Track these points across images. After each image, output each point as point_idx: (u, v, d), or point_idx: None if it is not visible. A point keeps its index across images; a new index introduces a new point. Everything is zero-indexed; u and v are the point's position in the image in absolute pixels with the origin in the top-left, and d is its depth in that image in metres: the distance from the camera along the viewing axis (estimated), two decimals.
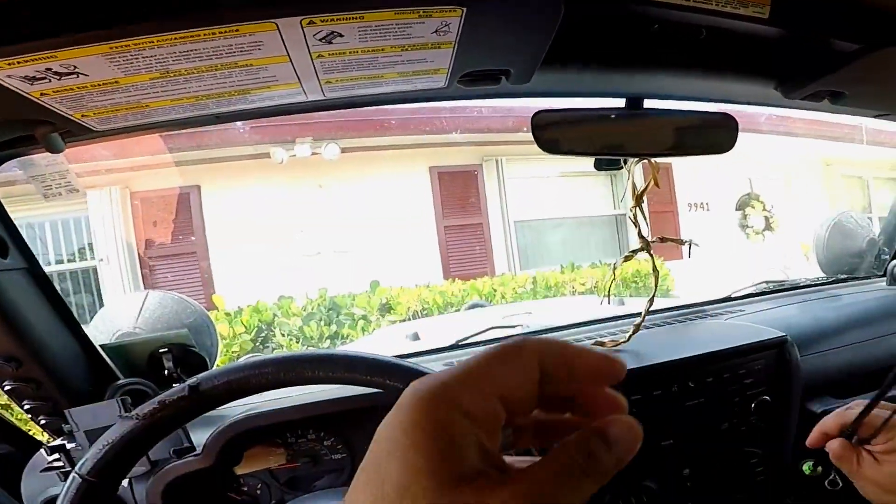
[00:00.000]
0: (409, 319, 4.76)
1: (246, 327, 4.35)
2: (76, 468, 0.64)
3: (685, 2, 0.68)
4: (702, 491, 0.94)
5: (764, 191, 7.44)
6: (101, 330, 1.17)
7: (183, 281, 5.49)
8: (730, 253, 6.55)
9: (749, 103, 1.02)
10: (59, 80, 0.50)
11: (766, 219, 7.38)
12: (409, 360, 0.72)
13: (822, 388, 1.03)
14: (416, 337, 2.23)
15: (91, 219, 5.32)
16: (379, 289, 5.13)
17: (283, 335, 4.52)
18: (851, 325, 1.14)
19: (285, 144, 5.56)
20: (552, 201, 6.84)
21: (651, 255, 0.91)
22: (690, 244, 0.92)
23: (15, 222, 0.88)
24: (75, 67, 0.49)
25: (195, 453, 0.86)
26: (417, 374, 0.68)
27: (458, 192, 6.44)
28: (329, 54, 0.54)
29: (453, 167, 6.40)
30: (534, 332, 1.38)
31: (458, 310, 4.76)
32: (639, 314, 1.34)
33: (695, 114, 0.94)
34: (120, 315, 1.23)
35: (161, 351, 1.01)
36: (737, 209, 7.40)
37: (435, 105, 5.86)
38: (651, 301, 0.96)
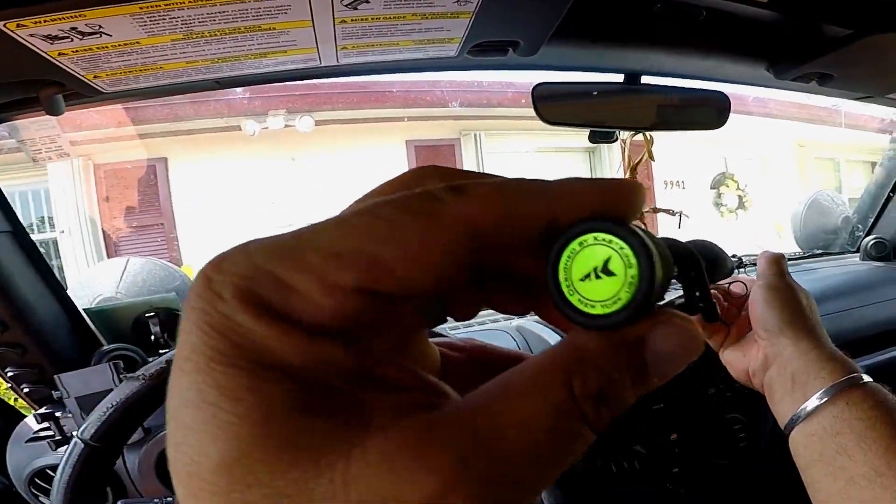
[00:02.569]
0: None
1: None
2: (78, 433, 0.62)
3: None
4: (688, 456, 0.98)
5: (738, 170, 7.57)
6: (80, 295, 1.15)
7: (149, 252, 5.36)
8: (703, 231, 6.65)
9: (741, 83, 1.05)
10: (80, 39, 0.49)
11: (740, 198, 7.51)
12: None
13: None
14: None
15: (52, 190, 5.17)
16: None
17: None
18: (827, 296, 1.19)
19: (257, 116, 5.46)
20: (531, 176, 6.84)
21: (644, 224, 0.93)
22: (681, 215, 0.95)
23: None
24: (100, 27, 0.48)
25: None
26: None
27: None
28: (352, 20, 0.54)
29: (431, 141, 6.38)
30: None
31: None
32: None
33: (690, 91, 0.97)
34: (100, 280, 1.22)
35: (147, 315, 0.99)
36: (711, 188, 7.52)
37: (414, 78, 5.81)
38: None
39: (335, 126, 5.78)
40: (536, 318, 1.11)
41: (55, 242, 5.12)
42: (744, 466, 1.02)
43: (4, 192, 0.87)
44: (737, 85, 1.08)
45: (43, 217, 5.19)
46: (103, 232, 5.37)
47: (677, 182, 7.30)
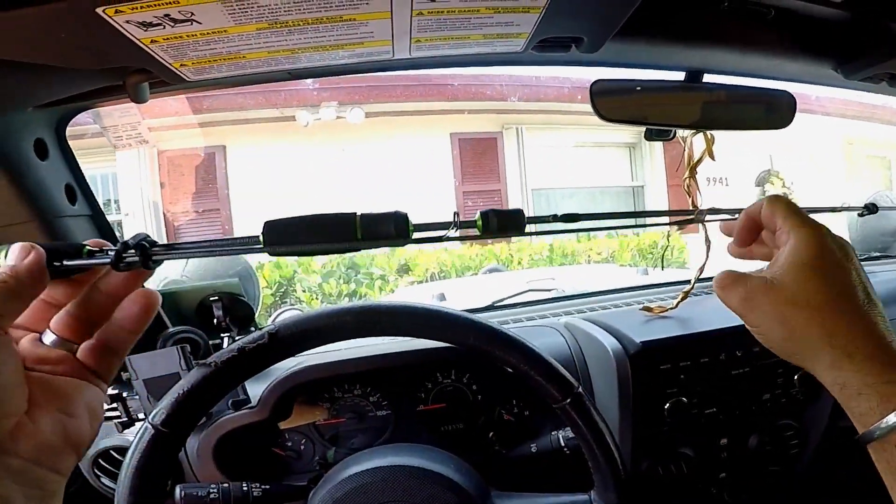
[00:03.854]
0: (427, 281, 4.81)
1: (267, 282, 4.41)
2: (149, 417, 0.62)
3: None
4: (736, 461, 0.96)
5: (784, 168, 7.33)
6: None
7: (206, 236, 5.56)
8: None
9: (807, 82, 1.02)
10: (173, 26, 0.51)
11: (785, 196, 7.25)
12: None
13: None
14: (442, 297, 2.24)
15: (119, 175, 5.44)
16: (398, 250, 5.15)
17: (303, 291, 4.59)
18: (889, 300, 1.15)
19: (311, 108, 5.59)
20: (570, 171, 6.82)
21: (703, 224, 0.91)
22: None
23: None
24: (192, 14, 0.50)
25: (250, 405, 0.85)
26: (497, 333, 0.69)
27: (478, 158, 6.45)
28: (429, 12, 0.56)
29: (474, 134, 6.41)
30: (569, 296, 1.40)
31: (476, 273, 4.79)
32: (671, 284, 1.37)
33: (753, 90, 0.95)
34: (166, 263, 1.25)
35: (211, 299, 1.01)
36: (756, 185, 7.28)
37: (459, 72, 5.85)
38: (701, 269, 0.97)
39: (383, 118, 5.88)
40: (585, 314, 1.11)
41: (120, 224, 5.35)
42: (793, 474, 1.00)
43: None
44: (800, 84, 1.05)
45: (109, 200, 5.41)
46: (164, 216, 5.61)
47: (720, 179, 7.09)
